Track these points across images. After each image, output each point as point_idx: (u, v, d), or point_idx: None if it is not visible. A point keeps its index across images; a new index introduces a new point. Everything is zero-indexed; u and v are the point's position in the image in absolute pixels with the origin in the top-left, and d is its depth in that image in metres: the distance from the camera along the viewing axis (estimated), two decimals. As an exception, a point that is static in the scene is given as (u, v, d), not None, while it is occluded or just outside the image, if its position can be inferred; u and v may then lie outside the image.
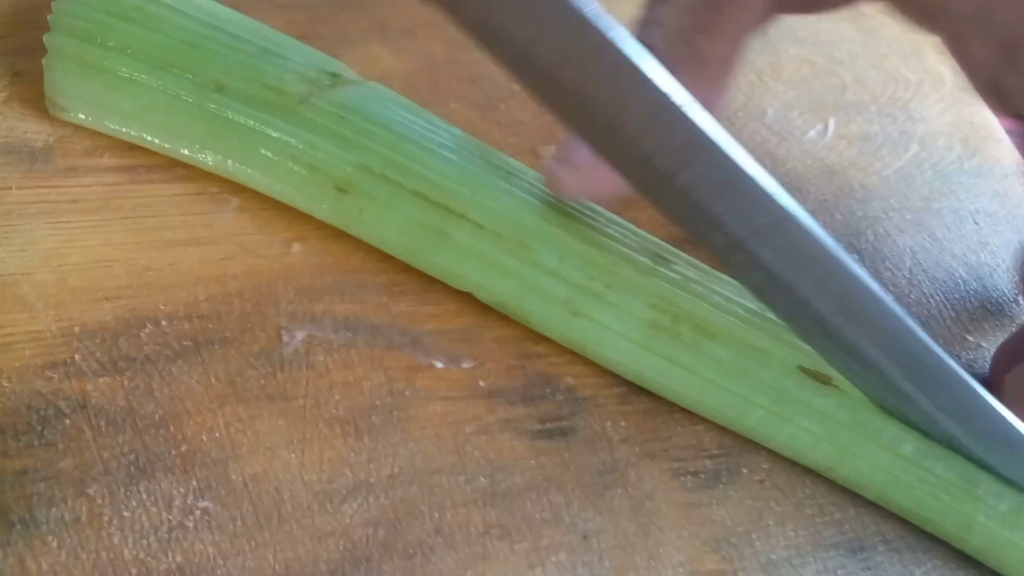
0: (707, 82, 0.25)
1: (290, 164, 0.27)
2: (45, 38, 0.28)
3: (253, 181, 0.28)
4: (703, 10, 0.24)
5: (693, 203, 0.22)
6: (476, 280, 0.27)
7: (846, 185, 0.33)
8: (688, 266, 0.27)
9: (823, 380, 0.26)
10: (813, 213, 0.32)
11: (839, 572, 0.26)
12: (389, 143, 0.27)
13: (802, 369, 0.26)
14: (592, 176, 0.26)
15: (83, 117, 0.28)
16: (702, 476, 0.26)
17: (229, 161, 0.28)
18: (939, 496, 0.26)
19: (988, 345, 0.31)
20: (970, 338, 0.31)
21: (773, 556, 0.25)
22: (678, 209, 0.23)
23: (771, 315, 0.27)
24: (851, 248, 0.31)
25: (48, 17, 0.28)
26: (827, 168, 0.33)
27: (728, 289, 0.27)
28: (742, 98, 0.34)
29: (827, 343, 0.24)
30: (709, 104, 0.24)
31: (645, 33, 0.25)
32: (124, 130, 0.28)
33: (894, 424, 0.26)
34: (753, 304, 0.27)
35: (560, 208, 0.27)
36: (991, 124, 0.38)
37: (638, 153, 0.22)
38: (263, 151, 0.27)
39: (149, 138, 0.28)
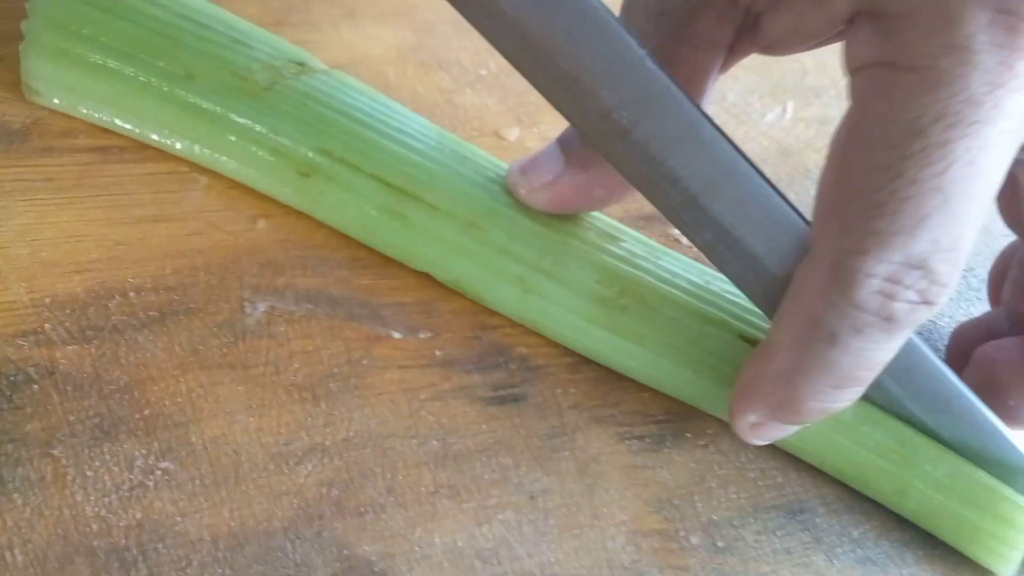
0: None
1: (254, 149, 0.28)
2: (22, 25, 0.29)
3: (219, 165, 0.29)
4: (659, 60, 0.25)
5: (650, 157, 0.23)
6: (432, 260, 0.28)
7: (802, 166, 0.34)
8: (636, 243, 0.28)
9: None
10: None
11: (778, 532, 0.26)
12: (349, 129, 0.28)
13: (743, 338, 0.27)
14: (544, 193, 0.27)
15: (57, 102, 0.29)
16: (647, 440, 0.27)
17: (196, 146, 0.29)
18: (877, 461, 0.27)
19: (939, 322, 0.32)
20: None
21: (714, 517, 0.26)
22: (635, 164, 0.24)
23: (714, 287, 0.28)
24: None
25: (26, 5, 0.29)
26: (784, 149, 0.34)
27: (673, 264, 0.28)
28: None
29: (776, 303, 0.25)
30: None
31: None
32: (97, 115, 0.29)
33: None
34: (697, 279, 0.28)
35: (508, 192, 0.28)
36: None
37: (598, 106, 0.22)
38: (229, 136, 0.28)
39: (120, 123, 0.29)
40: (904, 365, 0.25)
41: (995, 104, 0.20)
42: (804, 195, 0.33)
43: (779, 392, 0.24)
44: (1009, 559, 0.26)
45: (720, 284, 0.28)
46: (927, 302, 0.22)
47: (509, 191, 0.28)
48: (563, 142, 0.27)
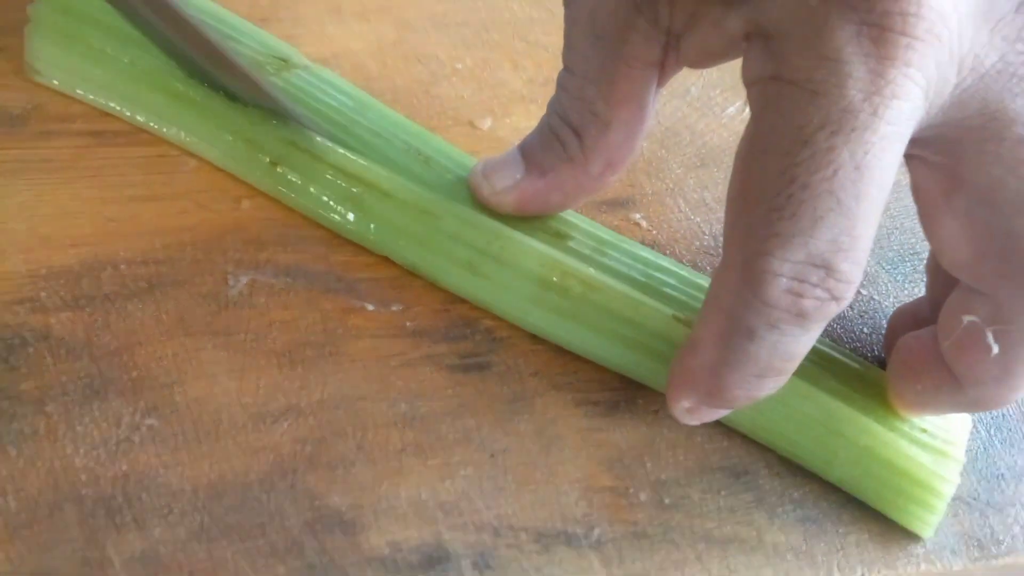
0: (613, 144, 0.27)
1: (231, 137, 0.30)
2: (29, 8, 0.31)
3: (200, 150, 0.31)
4: (600, 79, 0.27)
5: None
6: (389, 245, 0.30)
7: (760, 156, 0.35)
8: (583, 232, 0.30)
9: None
10: (725, 181, 0.34)
11: (723, 492, 0.28)
12: (318, 124, 0.30)
13: (676, 318, 0.28)
14: (505, 196, 0.29)
15: (56, 83, 0.31)
16: (602, 405, 0.29)
17: (182, 132, 0.31)
18: (807, 431, 0.28)
19: (884, 302, 0.33)
20: (863, 291, 0.33)
21: (662, 476, 0.28)
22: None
23: (654, 273, 0.30)
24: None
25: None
26: (743, 140, 0.36)
27: (617, 251, 0.30)
28: (668, 78, 0.37)
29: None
30: (617, 163, 0.28)
31: (556, 101, 0.28)
32: (91, 96, 0.31)
33: None
34: (640, 264, 0.30)
35: (464, 182, 0.30)
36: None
37: None
38: (211, 125, 0.31)
39: (113, 105, 0.31)
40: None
41: (873, 110, 0.21)
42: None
43: (707, 382, 0.26)
44: (927, 521, 0.28)
45: (660, 268, 0.30)
46: (834, 298, 0.23)
47: (472, 192, 0.30)
48: (523, 149, 0.29)
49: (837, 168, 0.22)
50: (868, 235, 0.23)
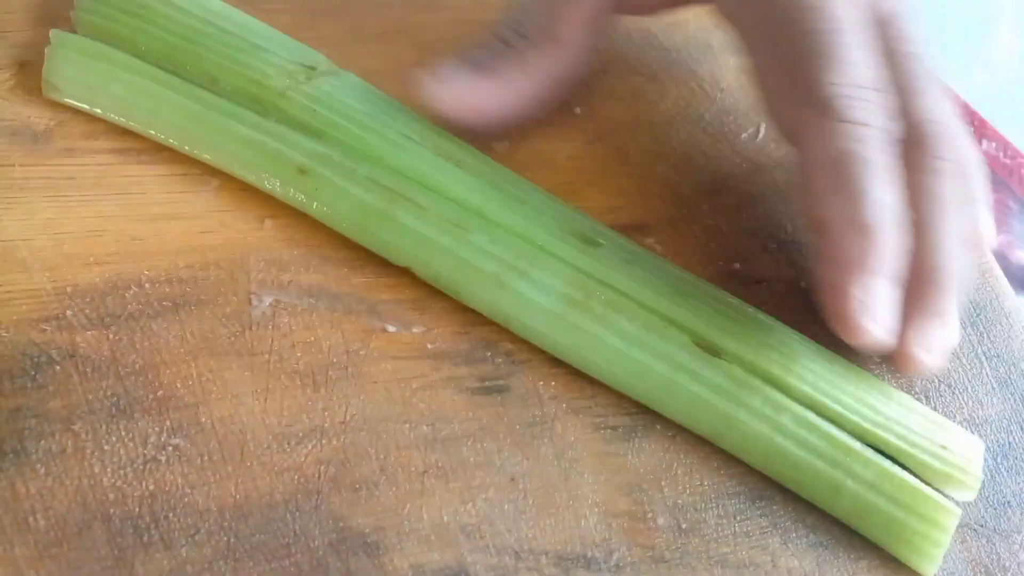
0: (564, 60, 0.32)
1: (260, 145, 0.30)
2: (52, 31, 0.31)
3: (223, 163, 0.31)
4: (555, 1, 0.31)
5: None
6: (415, 256, 0.30)
7: (772, 182, 0.36)
8: (611, 248, 0.31)
9: (714, 353, 0.29)
10: (738, 207, 0.35)
11: (738, 517, 0.29)
12: (350, 132, 0.31)
13: (696, 343, 0.29)
14: (458, 96, 0.31)
15: (74, 100, 0.31)
16: (620, 430, 0.29)
17: (203, 143, 0.31)
18: (813, 462, 0.28)
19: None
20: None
21: (679, 501, 0.28)
22: None
23: (680, 293, 0.30)
24: (771, 239, 0.35)
25: (71, 13, 0.32)
26: (756, 166, 0.36)
27: (642, 272, 0.30)
28: (682, 104, 0.37)
29: None
30: (568, 77, 0.32)
31: (511, 16, 0.32)
32: (111, 115, 0.31)
33: (775, 395, 0.29)
34: (667, 284, 0.30)
35: (497, 194, 0.31)
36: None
37: None
38: (238, 134, 0.30)
39: (133, 123, 0.31)
40: None
41: None
42: (773, 209, 0.35)
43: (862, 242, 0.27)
44: (932, 557, 0.28)
45: (683, 292, 0.30)
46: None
47: (421, 96, 0.31)
48: (471, 59, 0.32)
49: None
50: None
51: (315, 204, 0.30)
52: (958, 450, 0.29)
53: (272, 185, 0.31)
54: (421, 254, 0.30)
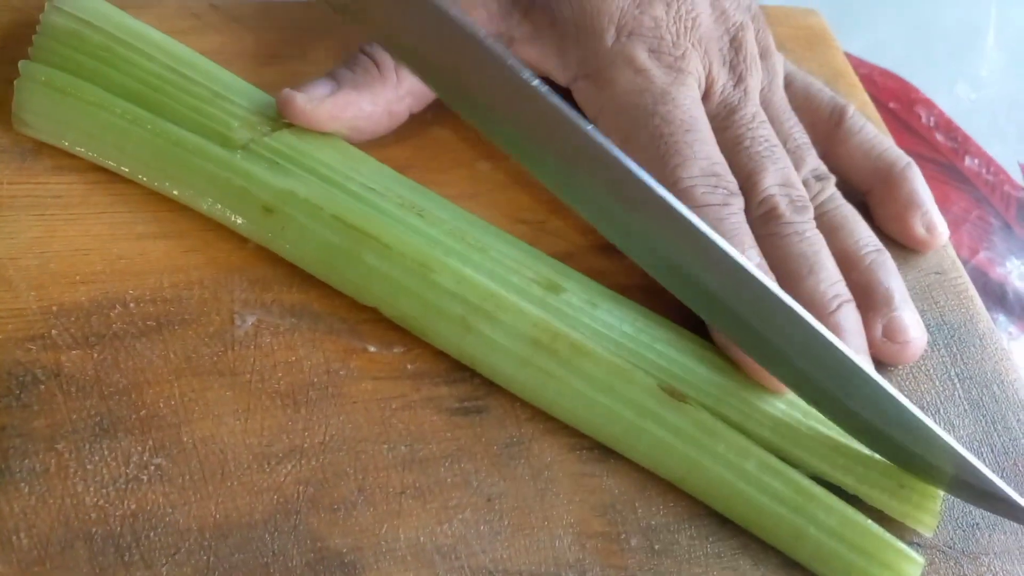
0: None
1: (221, 186, 0.30)
2: (21, 64, 0.31)
3: (189, 197, 0.31)
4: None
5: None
6: (381, 296, 0.30)
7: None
8: (578, 290, 0.31)
9: (679, 398, 0.29)
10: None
11: (710, 538, 0.29)
12: (313, 185, 0.30)
13: (661, 388, 0.29)
14: (320, 106, 0.32)
15: (44, 135, 0.31)
16: (596, 451, 0.30)
17: (168, 183, 0.31)
18: (776, 507, 0.29)
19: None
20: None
21: (653, 522, 0.29)
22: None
23: (643, 338, 0.30)
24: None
25: (28, 48, 0.31)
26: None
27: (609, 314, 0.31)
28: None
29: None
30: (420, 97, 0.34)
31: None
32: (79, 149, 0.31)
33: (740, 440, 0.29)
34: (630, 329, 0.30)
35: (462, 239, 0.31)
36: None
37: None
38: (201, 176, 0.30)
39: (101, 159, 0.31)
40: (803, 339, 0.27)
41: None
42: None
43: None
44: None
45: (648, 334, 0.31)
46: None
47: (282, 108, 0.31)
48: (335, 75, 0.33)
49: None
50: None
51: (281, 242, 0.30)
52: (917, 488, 0.29)
53: (238, 222, 0.31)
54: (387, 295, 0.30)
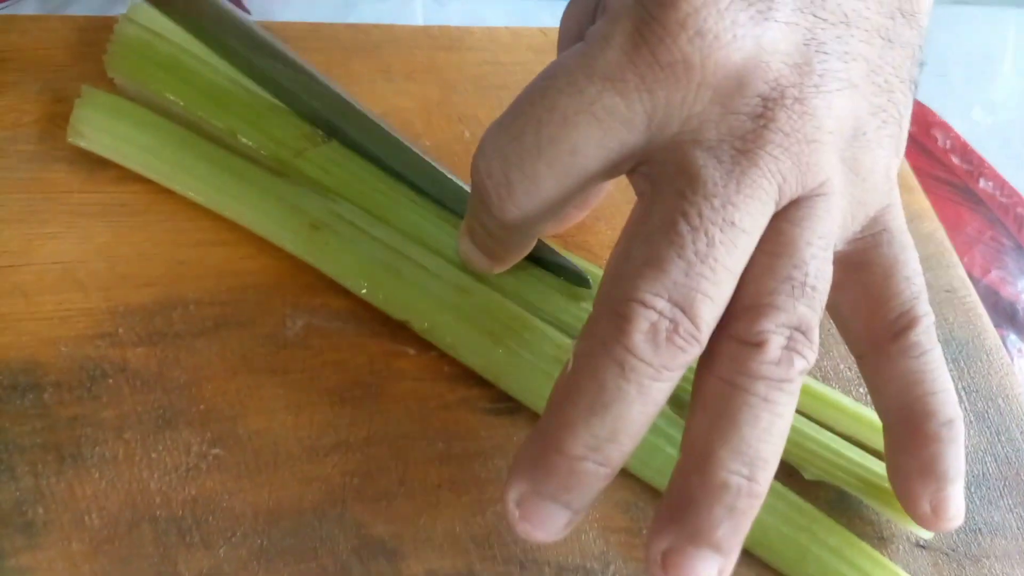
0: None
1: (274, 200, 0.32)
2: (83, 87, 0.33)
3: (239, 215, 0.33)
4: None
5: None
6: (415, 311, 0.32)
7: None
8: None
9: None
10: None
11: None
12: (361, 194, 0.33)
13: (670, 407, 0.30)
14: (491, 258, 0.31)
15: (100, 148, 0.33)
16: (620, 452, 0.32)
17: (220, 200, 0.33)
18: (779, 527, 0.30)
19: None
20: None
21: (672, 519, 0.31)
22: None
23: None
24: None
25: (103, 57, 0.34)
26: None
27: None
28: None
29: None
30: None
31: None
32: (131, 165, 0.33)
33: None
34: None
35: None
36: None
37: None
38: (253, 190, 0.32)
39: (155, 176, 0.33)
40: None
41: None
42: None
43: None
44: None
45: None
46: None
47: (464, 261, 0.32)
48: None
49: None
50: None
51: (324, 257, 0.32)
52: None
53: (284, 240, 0.32)
54: (421, 309, 0.32)
